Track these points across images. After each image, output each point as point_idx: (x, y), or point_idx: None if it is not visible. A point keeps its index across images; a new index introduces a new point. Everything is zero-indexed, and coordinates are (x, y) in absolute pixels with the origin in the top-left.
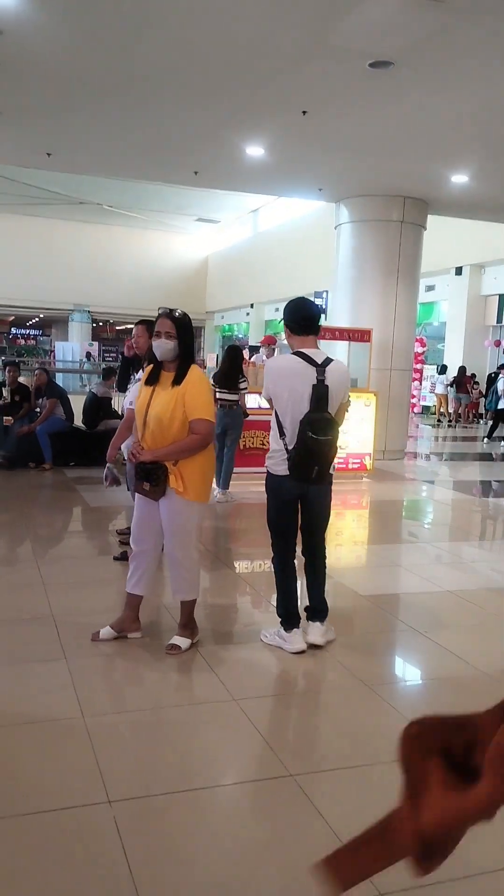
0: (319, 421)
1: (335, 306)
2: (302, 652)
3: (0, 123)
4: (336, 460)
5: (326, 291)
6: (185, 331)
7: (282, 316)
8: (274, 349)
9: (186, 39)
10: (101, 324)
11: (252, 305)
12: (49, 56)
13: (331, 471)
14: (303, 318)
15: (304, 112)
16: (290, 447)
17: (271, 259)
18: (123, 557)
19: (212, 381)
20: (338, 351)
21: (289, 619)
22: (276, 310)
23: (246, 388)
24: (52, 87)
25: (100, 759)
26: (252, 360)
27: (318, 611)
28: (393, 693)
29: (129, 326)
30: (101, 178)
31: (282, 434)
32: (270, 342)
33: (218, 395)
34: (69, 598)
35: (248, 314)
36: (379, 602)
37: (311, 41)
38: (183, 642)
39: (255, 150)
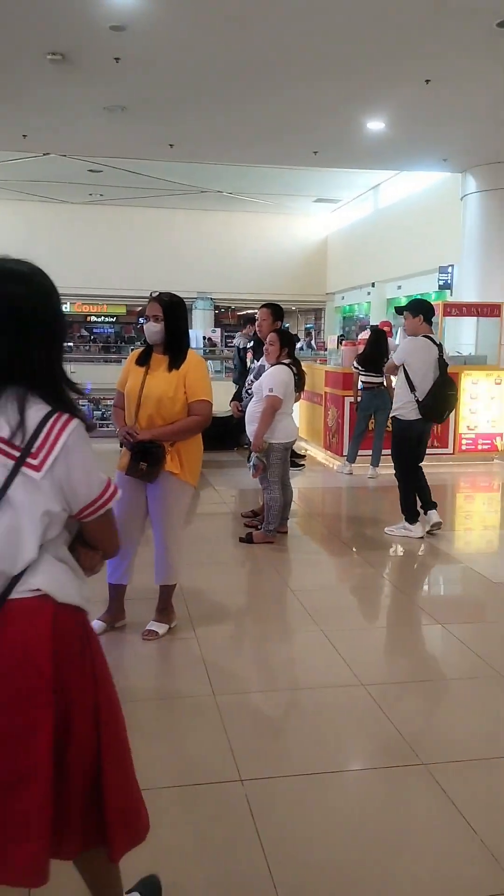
0: (451, 383)
1: (462, 280)
2: (422, 538)
3: (126, 118)
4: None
5: (452, 266)
6: (172, 313)
7: (407, 306)
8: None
9: (302, 17)
10: (222, 310)
11: (373, 284)
12: (169, 48)
13: None
14: (429, 311)
15: (428, 81)
16: (419, 399)
17: (392, 236)
18: (249, 539)
19: (356, 365)
20: (464, 327)
21: (411, 514)
22: (399, 287)
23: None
24: (172, 79)
25: (231, 739)
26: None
27: (433, 503)
28: None
29: (250, 312)
30: (220, 166)
31: (412, 390)
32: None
33: (364, 378)
34: (195, 577)
35: (368, 293)
36: None
37: (432, 4)
38: (160, 627)
39: (375, 125)
